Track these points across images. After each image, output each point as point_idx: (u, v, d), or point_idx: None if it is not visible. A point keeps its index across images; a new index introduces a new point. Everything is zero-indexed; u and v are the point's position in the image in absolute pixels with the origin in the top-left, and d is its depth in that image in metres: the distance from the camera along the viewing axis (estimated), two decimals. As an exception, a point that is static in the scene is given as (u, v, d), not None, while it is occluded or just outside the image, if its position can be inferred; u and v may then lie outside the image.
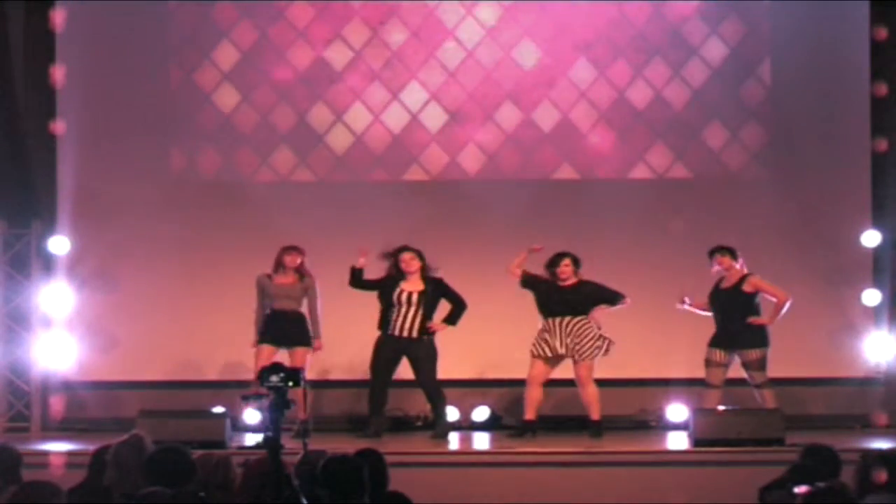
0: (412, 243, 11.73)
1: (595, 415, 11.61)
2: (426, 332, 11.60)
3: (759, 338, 11.51)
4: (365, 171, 13.17)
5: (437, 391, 11.67)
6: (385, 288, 11.68)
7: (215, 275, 12.78)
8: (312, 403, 11.56)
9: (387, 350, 11.60)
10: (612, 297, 11.65)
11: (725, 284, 11.66)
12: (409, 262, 11.66)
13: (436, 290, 11.68)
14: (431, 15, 13.21)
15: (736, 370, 11.60)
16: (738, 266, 11.64)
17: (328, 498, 6.00)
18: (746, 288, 11.57)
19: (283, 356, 11.34)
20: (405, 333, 11.59)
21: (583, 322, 11.55)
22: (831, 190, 12.98)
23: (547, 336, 11.56)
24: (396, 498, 6.61)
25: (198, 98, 13.20)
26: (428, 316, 11.63)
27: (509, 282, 11.83)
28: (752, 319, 11.50)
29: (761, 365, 11.48)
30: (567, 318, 11.55)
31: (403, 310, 11.59)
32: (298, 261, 11.70)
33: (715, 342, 11.61)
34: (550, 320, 11.59)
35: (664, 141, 13.15)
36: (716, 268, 11.68)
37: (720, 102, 13.14)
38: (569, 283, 11.66)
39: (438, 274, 11.75)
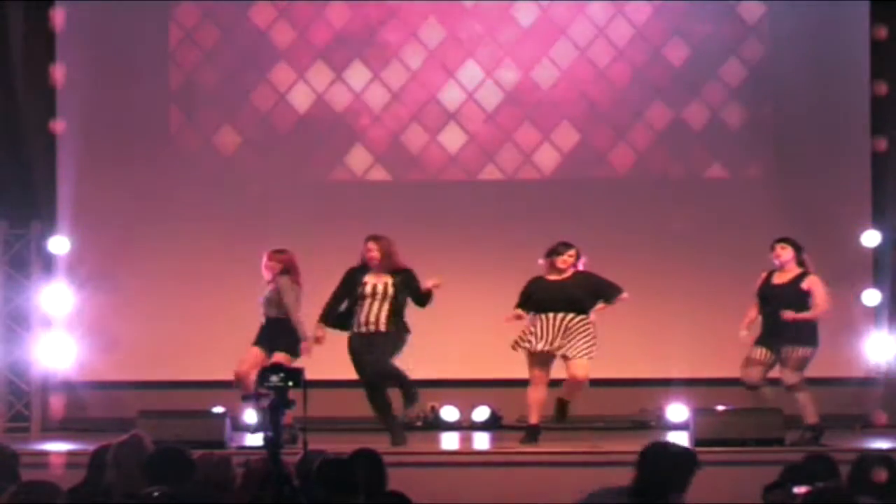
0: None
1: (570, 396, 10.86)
2: (395, 325, 10.73)
3: (806, 335, 10.72)
4: (366, 171, 13.18)
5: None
6: (346, 284, 10.85)
7: (215, 275, 12.77)
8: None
9: (360, 351, 10.71)
10: (610, 294, 10.80)
11: (779, 280, 10.89)
12: (369, 251, 10.79)
13: (404, 281, 10.80)
14: (430, 15, 13.21)
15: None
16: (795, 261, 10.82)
17: (324, 498, 6.03)
18: (805, 285, 10.78)
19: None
20: (371, 328, 10.69)
21: (583, 321, 10.76)
22: (831, 190, 12.97)
23: (530, 332, 10.73)
24: (396, 498, 6.62)
25: (198, 98, 13.21)
26: (396, 310, 10.72)
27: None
28: (792, 315, 10.62)
29: (800, 365, 10.71)
30: (562, 315, 10.72)
31: (367, 303, 10.72)
32: (275, 269, 11.03)
33: (760, 340, 10.77)
34: (543, 316, 10.74)
35: (663, 140, 13.14)
36: (777, 259, 10.83)
37: (720, 102, 13.13)
38: (565, 275, 10.87)
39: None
